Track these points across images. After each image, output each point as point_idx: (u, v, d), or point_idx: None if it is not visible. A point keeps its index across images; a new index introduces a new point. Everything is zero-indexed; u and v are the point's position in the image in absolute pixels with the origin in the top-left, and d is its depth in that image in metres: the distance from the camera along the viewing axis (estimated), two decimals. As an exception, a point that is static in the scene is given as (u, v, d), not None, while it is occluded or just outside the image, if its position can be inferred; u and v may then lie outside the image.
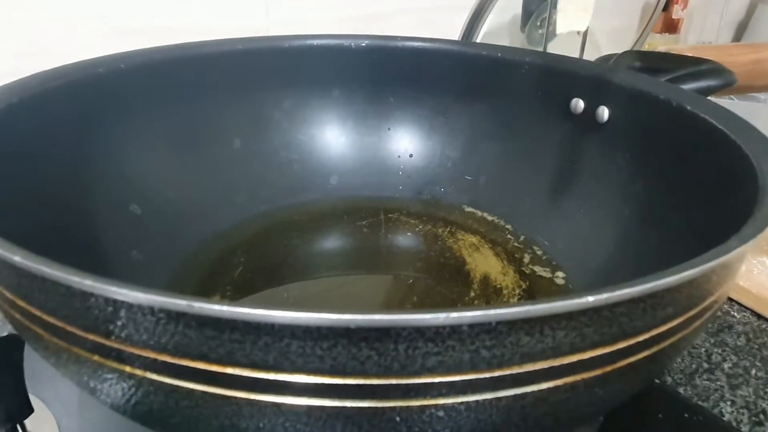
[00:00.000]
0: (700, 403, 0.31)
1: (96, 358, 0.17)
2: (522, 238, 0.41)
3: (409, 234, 0.42)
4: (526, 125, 0.43)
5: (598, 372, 0.18)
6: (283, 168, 0.45)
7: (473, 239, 0.41)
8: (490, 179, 0.45)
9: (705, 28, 0.99)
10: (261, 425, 0.17)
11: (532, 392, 0.17)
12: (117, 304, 0.16)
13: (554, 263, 0.38)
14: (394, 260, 0.40)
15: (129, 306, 0.15)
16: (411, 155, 0.47)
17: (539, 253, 0.39)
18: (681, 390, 0.32)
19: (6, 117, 0.29)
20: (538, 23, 0.62)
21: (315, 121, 0.46)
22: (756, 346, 0.35)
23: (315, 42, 0.45)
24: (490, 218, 0.43)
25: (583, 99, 0.40)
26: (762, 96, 0.71)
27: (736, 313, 0.38)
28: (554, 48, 0.50)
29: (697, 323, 0.20)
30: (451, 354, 0.16)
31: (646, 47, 0.79)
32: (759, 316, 0.38)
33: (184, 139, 0.41)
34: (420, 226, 0.43)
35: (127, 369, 0.17)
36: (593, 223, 0.38)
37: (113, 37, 0.51)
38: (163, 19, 0.53)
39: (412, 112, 0.47)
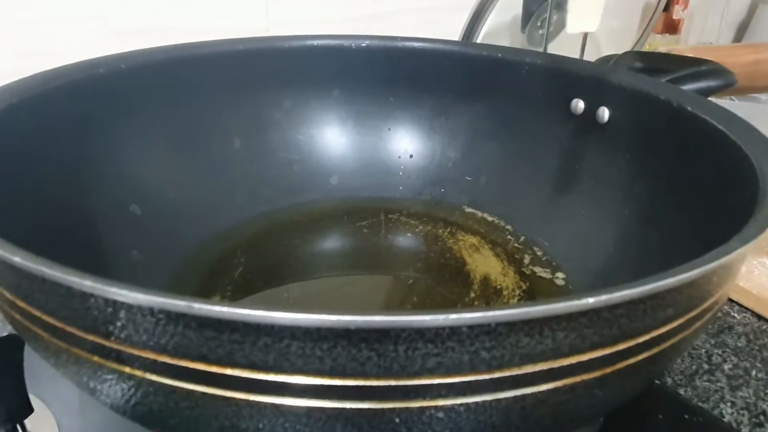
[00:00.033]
0: (700, 404, 0.31)
1: (96, 358, 0.17)
2: (522, 238, 0.41)
3: (409, 234, 0.42)
4: (527, 126, 0.43)
5: (598, 373, 0.18)
6: (283, 168, 0.45)
7: (473, 240, 0.41)
8: (490, 180, 0.45)
9: (706, 28, 0.99)
10: (260, 426, 0.17)
11: (532, 393, 0.17)
12: (117, 305, 0.16)
13: (554, 264, 0.38)
14: (394, 261, 0.40)
15: (129, 307, 0.15)
16: (411, 156, 0.47)
17: (539, 253, 0.39)
18: (681, 391, 0.32)
19: (6, 117, 0.29)
20: (539, 23, 0.62)
21: (315, 122, 0.46)
22: (756, 347, 0.35)
23: (315, 42, 0.45)
24: (490, 219, 0.43)
25: (583, 99, 0.40)
26: (763, 97, 0.71)
27: (736, 314, 0.38)
28: (554, 48, 0.50)
29: (698, 324, 0.20)
30: (450, 355, 0.16)
31: (646, 48, 0.79)
32: (759, 317, 0.38)
33: (185, 139, 0.41)
34: (420, 227, 0.43)
35: (127, 370, 0.17)
36: (593, 224, 0.38)
37: (113, 37, 0.51)
38: (163, 19, 0.53)
39: (412, 112, 0.47)
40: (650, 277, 0.16)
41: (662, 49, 0.64)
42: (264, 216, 0.43)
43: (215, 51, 0.42)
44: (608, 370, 0.18)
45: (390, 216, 0.44)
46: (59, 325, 0.17)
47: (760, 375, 0.33)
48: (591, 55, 0.47)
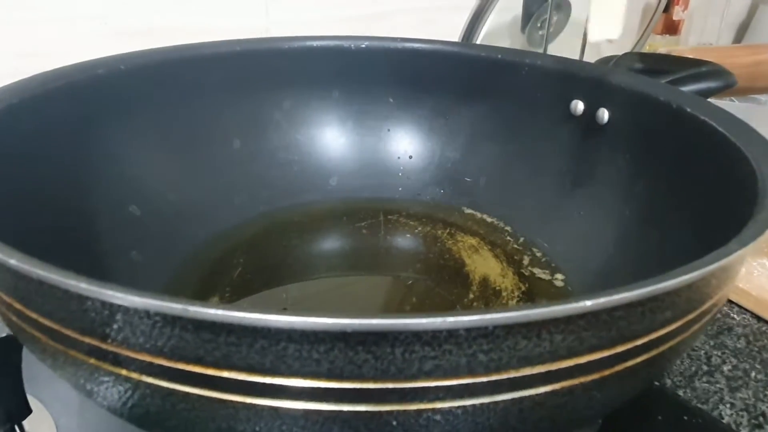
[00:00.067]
0: (699, 405, 0.31)
1: (92, 361, 0.17)
2: (521, 239, 0.41)
3: (408, 235, 0.42)
4: (526, 127, 0.43)
5: (596, 376, 0.18)
6: (282, 169, 0.45)
7: (473, 241, 0.41)
8: (489, 181, 0.45)
9: (706, 29, 0.99)
10: (258, 429, 0.17)
11: (530, 396, 0.17)
12: (113, 308, 0.15)
13: (553, 265, 0.38)
14: (393, 262, 0.40)
15: (125, 309, 0.15)
16: (411, 156, 0.47)
17: (539, 255, 0.39)
18: (680, 392, 0.32)
19: (6, 118, 0.29)
20: (539, 24, 0.62)
21: (315, 122, 0.46)
22: (756, 349, 0.35)
23: (314, 43, 0.45)
24: (489, 220, 0.43)
25: (583, 100, 0.40)
26: (763, 98, 0.71)
27: (735, 316, 0.38)
28: (555, 49, 0.50)
29: (696, 326, 0.20)
30: (448, 358, 0.16)
31: (646, 49, 0.79)
32: (759, 319, 0.38)
33: (184, 140, 0.41)
34: (419, 228, 0.43)
35: (123, 372, 0.17)
36: (593, 225, 0.38)
37: (114, 37, 0.51)
38: (164, 19, 0.53)
39: (411, 113, 0.47)
40: (648, 280, 0.16)
41: (662, 50, 0.64)
42: (263, 216, 0.43)
43: (215, 52, 0.42)
44: (606, 372, 0.18)
45: (389, 217, 0.44)
46: (56, 327, 0.17)
47: (759, 376, 0.33)
48: (591, 56, 0.47)
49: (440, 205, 0.45)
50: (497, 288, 0.36)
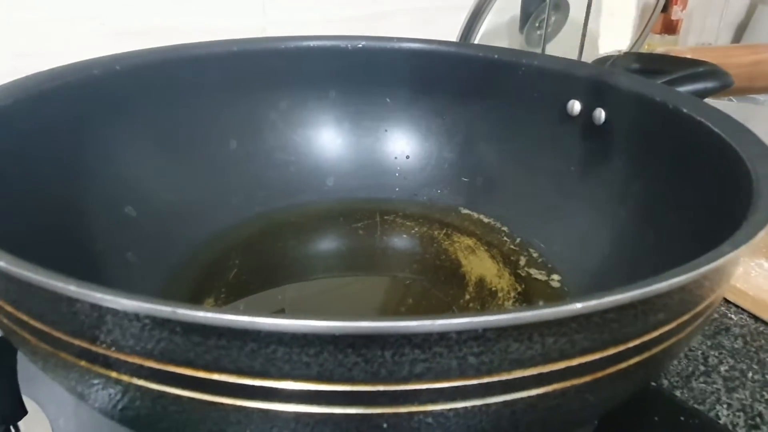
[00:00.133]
0: (696, 406, 0.31)
1: (83, 363, 0.17)
2: (518, 240, 0.41)
3: (405, 236, 0.42)
4: (523, 127, 0.43)
5: (588, 378, 0.18)
6: (279, 169, 0.45)
7: (469, 241, 0.41)
8: (486, 181, 0.45)
9: (704, 29, 0.99)
10: (248, 431, 0.17)
11: (522, 398, 0.17)
12: (102, 310, 0.15)
13: (550, 266, 0.38)
14: (389, 262, 0.40)
15: (114, 312, 0.15)
16: (408, 157, 0.47)
17: (535, 255, 0.39)
18: (677, 393, 0.32)
19: (0, 118, 0.29)
20: (537, 24, 0.62)
21: (311, 123, 0.46)
22: (753, 349, 0.35)
23: (311, 43, 0.45)
24: (486, 220, 0.43)
25: (579, 101, 0.40)
26: (761, 97, 0.71)
27: (733, 316, 0.38)
28: (553, 49, 0.50)
29: (691, 328, 0.20)
30: (438, 361, 0.16)
31: (645, 48, 0.78)
32: (756, 319, 0.38)
33: (180, 140, 0.41)
34: (416, 228, 0.43)
35: (114, 375, 0.17)
36: (589, 225, 0.38)
37: (112, 37, 0.51)
38: (162, 19, 0.53)
39: (408, 113, 0.47)
40: (640, 282, 0.16)
41: (661, 50, 0.64)
42: (260, 217, 0.43)
43: (210, 52, 0.42)
44: (599, 374, 0.18)
45: (386, 217, 0.44)
46: (46, 329, 0.17)
47: (756, 377, 0.33)
48: (589, 56, 0.47)
49: (437, 205, 0.45)
50: (493, 289, 0.36)
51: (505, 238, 0.41)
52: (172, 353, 0.16)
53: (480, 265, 0.39)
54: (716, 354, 0.35)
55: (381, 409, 0.16)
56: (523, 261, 0.39)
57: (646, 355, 0.19)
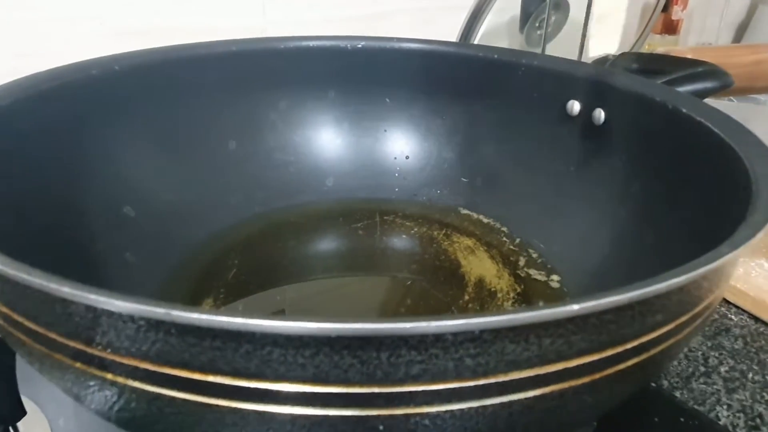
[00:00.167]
0: (696, 407, 0.31)
1: (78, 365, 0.17)
2: (518, 240, 0.41)
3: (404, 236, 0.42)
4: (523, 127, 0.43)
5: (586, 379, 0.18)
6: (278, 170, 0.45)
7: (468, 242, 0.41)
8: (486, 181, 0.45)
9: (705, 29, 0.99)
10: (244, 433, 0.17)
11: (519, 400, 0.17)
12: (97, 312, 0.15)
13: (549, 266, 0.38)
14: (389, 262, 0.40)
15: (109, 313, 0.15)
16: (407, 157, 0.47)
17: (534, 256, 0.39)
18: (677, 394, 0.32)
19: (0, 118, 0.29)
20: (537, 24, 0.62)
21: (311, 123, 0.46)
22: (753, 350, 0.35)
23: (311, 43, 0.45)
24: (485, 221, 0.43)
25: (579, 101, 0.39)
26: (762, 97, 0.71)
27: (733, 316, 0.38)
28: (553, 49, 0.50)
29: (689, 329, 0.20)
30: (435, 362, 0.16)
31: (645, 48, 0.78)
32: (756, 320, 0.38)
33: (179, 140, 0.41)
34: (415, 229, 0.43)
35: (109, 376, 0.17)
36: (589, 226, 0.37)
37: (112, 37, 0.51)
38: (161, 19, 0.53)
39: (408, 113, 0.47)
40: (638, 283, 0.16)
41: (661, 50, 0.64)
42: (259, 217, 0.43)
43: (210, 52, 0.42)
44: (597, 375, 0.18)
45: (385, 217, 0.44)
46: (41, 331, 0.17)
47: (756, 377, 0.33)
48: (589, 56, 0.47)
49: (436, 205, 0.45)
50: (493, 289, 0.36)
51: (504, 239, 0.41)
52: (167, 355, 0.16)
53: (479, 265, 0.38)
54: (716, 355, 0.35)
55: (377, 411, 0.16)
56: (522, 261, 0.39)
57: (644, 356, 0.19)
